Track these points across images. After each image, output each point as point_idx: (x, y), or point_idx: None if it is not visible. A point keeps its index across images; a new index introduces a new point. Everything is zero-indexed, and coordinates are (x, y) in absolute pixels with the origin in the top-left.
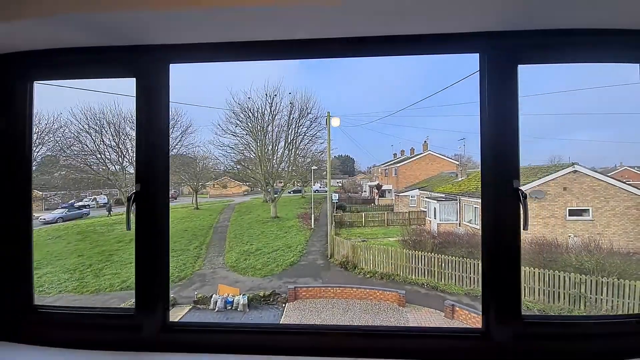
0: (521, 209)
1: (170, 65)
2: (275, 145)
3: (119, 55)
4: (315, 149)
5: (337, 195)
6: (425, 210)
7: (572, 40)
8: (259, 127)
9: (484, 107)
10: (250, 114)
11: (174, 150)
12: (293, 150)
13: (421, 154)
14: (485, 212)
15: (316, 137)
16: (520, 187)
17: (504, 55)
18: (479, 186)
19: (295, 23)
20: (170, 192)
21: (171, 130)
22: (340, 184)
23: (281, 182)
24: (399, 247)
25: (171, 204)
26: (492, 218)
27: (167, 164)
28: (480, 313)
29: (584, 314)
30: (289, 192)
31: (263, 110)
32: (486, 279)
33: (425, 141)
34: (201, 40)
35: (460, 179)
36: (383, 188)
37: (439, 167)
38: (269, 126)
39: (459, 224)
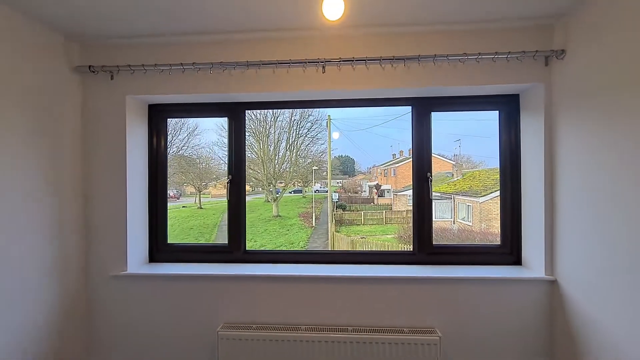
0: (430, 186)
1: (246, 110)
2: (277, 146)
3: (218, 106)
4: (316, 150)
5: (337, 195)
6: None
7: (456, 101)
8: (261, 129)
9: (414, 134)
10: (253, 116)
11: (180, 152)
12: (294, 151)
13: None
14: (415, 188)
15: (317, 139)
16: (430, 177)
17: (422, 107)
18: (473, 185)
19: (318, 92)
20: (172, 192)
21: (178, 132)
22: (340, 184)
23: (282, 183)
24: (395, 242)
25: (173, 204)
26: (418, 191)
27: (244, 165)
28: None
29: None
30: (290, 192)
31: (265, 112)
32: (414, 226)
33: None
34: (262, 100)
35: (455, 179)
36: (382, 188)
37: (436, 167)
38: (271, 127)
39: (454, 221)
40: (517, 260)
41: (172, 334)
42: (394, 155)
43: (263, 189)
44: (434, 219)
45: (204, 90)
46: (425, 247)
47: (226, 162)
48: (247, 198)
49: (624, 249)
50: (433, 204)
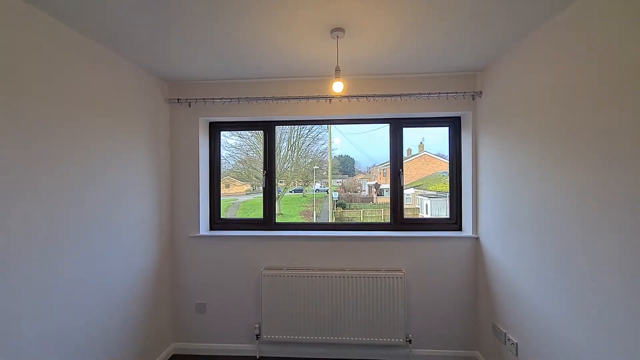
0: (402, 179)
1: (275, 126)
2: (279, 146)
3: (256, 123)
4: (317, 150)
5: (337, 193)
6: (418, 207)
7: (419, 120)
8: None
9: (391, 143)
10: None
11: None
12: (295, 151)
13: (417, 154)
14: (391, 180)
15: (317, 139)
16: (402, 171)
17: (396, 124)
18: None
19: (326, 116)
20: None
21: None
22: (340, 184)
23: (282, 182)
24: None
25: None
26: (394, 182)
27: (274, 164)
28: None
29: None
30: (290, 192)
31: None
32: (391, 206)
33: (421, 142)
34: (288, 119)
35: None
36: (381, 187)
37: (434, 167)
38: None
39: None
40: (459, 228)
41: (230, 274)
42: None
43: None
44: (429, 216)
45: (250, 114)
46: (399, 220)
47: (230, 162)
48: (249, 197)
49: (510, 217)
50: (404, 191)
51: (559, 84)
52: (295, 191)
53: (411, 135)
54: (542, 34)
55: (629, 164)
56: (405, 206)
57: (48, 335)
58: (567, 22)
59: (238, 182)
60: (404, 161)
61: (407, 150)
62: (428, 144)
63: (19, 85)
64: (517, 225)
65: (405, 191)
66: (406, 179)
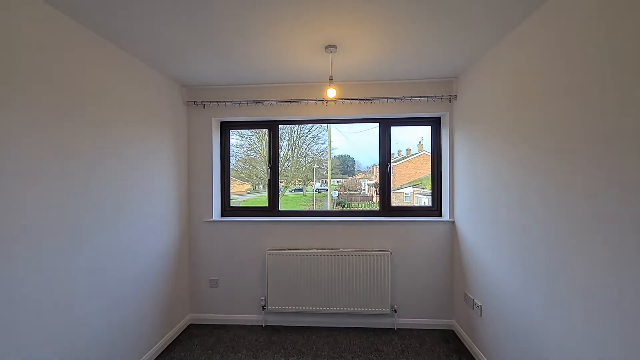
0: (390, 172)
1: (279, 126)
2: (280, 145)
3: (262, 122)
4: (317, 149)
5: (336, 192)
6: (416, 205)
7: (405, 120)
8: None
9: (380, 140)
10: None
11: None
12: (296, 150)
13: (416, 154)
14: (380, 172)
15: (317, 138)
16: (390, 164)
17: (384, 124)
18: None
19: (323, 117)
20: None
21: None
22: (340, 183)
23: (282, 182)
24: None
25: None
26: (382, 173)
27: (278, 159)
28: None
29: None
30: (291, 191)
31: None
32: (380, 195)
33: (420, 142)
34: (290, 119)
35: None
36: None
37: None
38: None
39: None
40: (440, 214)
41: (240, 254)
42: (392, 154)
43: (265, 187)
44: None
45: (257, 115)
46: (387, 207)
47: (230, 161)
48: (250, 196)
49: (475, 203)
50: (391, 181)
51: (508, 92)
52: (295, 190)
53: (411, 135)
54: (493, 54)
55: (555, 159)
56: (403, 205)
57: (102, 288)
58: (508, 46)
59: (238, 182)
60: (402, 160)
61: (407, 150)
62: (427, 143)
63: (91, 101)
64: (479, 209)
65: (403, 190)
66: (405, 178)
